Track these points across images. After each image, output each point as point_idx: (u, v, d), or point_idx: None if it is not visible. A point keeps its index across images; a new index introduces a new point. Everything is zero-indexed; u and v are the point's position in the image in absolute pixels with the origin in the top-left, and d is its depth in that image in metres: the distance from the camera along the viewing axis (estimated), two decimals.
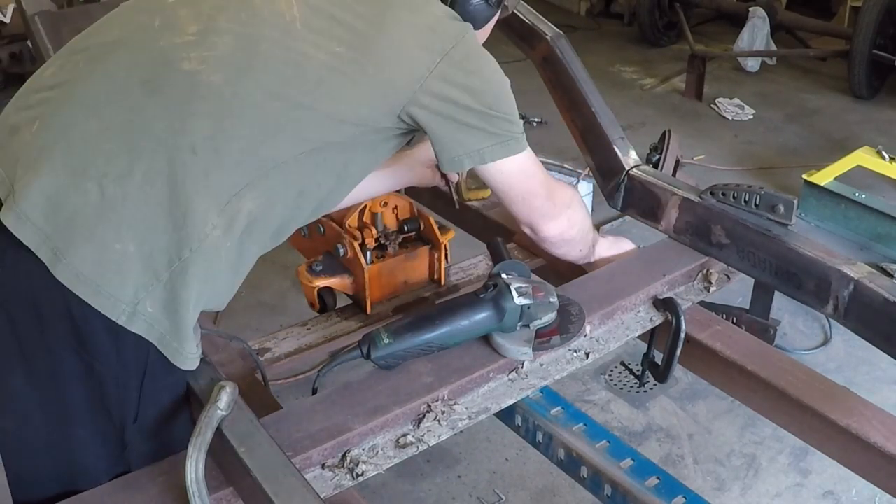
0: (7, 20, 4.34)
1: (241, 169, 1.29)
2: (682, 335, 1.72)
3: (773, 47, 5.78)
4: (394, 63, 1.37)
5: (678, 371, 1.99)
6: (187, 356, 1.32)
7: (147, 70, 1.29)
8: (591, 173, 2.15)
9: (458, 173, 1.95)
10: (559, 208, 1.66)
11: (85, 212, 1.23)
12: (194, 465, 1.21)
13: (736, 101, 5.32)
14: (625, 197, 1.96)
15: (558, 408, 1.63)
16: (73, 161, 1.24)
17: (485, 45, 1.56)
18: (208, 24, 1.32)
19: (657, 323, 1.77)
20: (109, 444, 1.37)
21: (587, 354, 1.66)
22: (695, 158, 4.14)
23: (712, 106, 5.29)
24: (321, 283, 1.87)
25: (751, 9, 5.67)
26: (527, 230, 1.69)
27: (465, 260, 2.01)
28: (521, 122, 1.52)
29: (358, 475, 1.37)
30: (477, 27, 1.55)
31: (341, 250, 1.85)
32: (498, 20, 1.65)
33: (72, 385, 1.30)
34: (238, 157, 1.28)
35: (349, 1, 1.38)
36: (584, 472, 1.54)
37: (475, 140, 1.46)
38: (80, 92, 1.30)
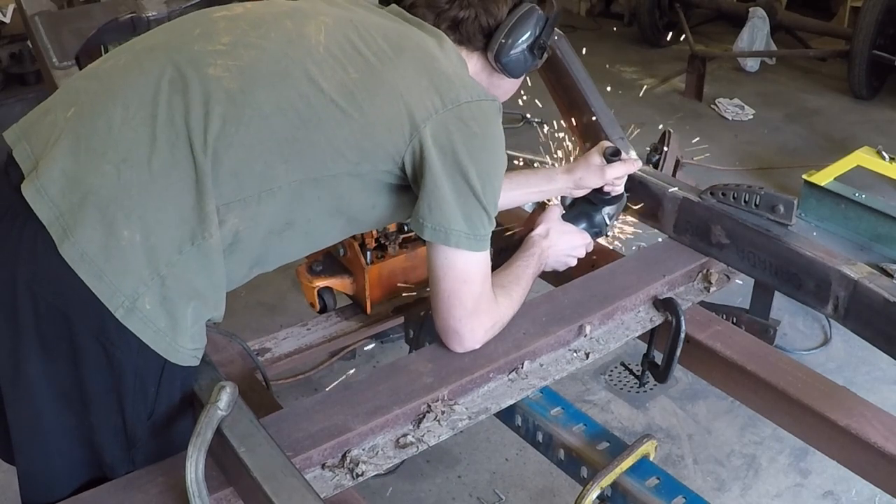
0: (7, 20, 4.32)
1: (236, 181, 1.31)
2: (682, 335, 1.72)
3: (773, 47, 5.77)
4: (398, 101, 1.38)
5: (678, 371, 2.00)
6: (182, 352, 1.32)
7: (177, 70, 1.34)
8: None
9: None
10: (475, 330, 1.54)
11: (100, 192, 1.26)
12: (194, 465, 1.21)
13: (736, 101, 5.31)
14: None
15: (558, 408, 1.63)
16: (95, 144, 1.29)
17: None
18: (240, 38, 1.39)
19: (657, 323, 1.77)
20: (121, 440, 1.36)
21: (587, 354, 1.67)
22: (695, 158, 4.13)
23: (712, 106, 5.28)
24: (321, 283, 1.87)
25: (751, 9, 5.67)
26: (436, 326, 1.57)
27: None
28: (494, 221, 1.47)
29: (358, 475, 1.37)
30: (516, 76, 1.60)
31: (341, 250, 1.86)
32: None
33: (91, 373, 1.30)
34: (235, 167, 1.30)
35: (376, 36, 1.43)
36: (583, 472, 1.54)
37: (452, 218, 1.41)
38: (114, 84, 1.35)
